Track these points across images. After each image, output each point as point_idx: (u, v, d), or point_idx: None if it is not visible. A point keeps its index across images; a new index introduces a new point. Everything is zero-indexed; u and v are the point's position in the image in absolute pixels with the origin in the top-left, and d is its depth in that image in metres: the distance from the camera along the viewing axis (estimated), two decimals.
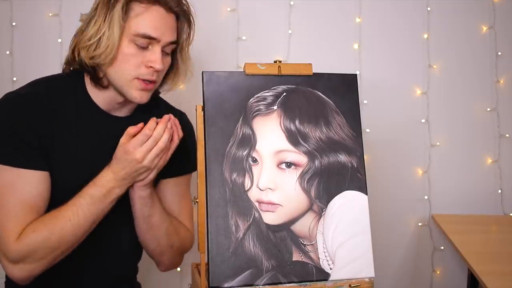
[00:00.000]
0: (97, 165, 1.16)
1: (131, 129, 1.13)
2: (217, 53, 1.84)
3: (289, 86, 1.15)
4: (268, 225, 1.09)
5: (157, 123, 1.14)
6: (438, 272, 1.98)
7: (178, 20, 1.21)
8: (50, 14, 1.82)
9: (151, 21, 1.15)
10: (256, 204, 1.09)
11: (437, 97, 1.93)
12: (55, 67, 1.73)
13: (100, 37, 1.13)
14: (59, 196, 1.15)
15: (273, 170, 1.10)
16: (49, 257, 1.12)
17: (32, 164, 1.13)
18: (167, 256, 1.30)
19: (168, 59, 1.22)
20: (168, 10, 1.17)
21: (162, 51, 1.18)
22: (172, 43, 1.19)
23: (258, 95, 1.13)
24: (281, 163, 1.11)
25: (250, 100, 1.13)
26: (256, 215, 1.08)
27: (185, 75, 1.27)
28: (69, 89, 1.21)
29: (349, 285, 1.10)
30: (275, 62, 1.16)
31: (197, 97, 1.13)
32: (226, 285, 1.05)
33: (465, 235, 1.72)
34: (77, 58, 1.18)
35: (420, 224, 1.96)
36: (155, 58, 1.16)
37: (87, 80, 1.22)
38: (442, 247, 1.96)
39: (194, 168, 1.24)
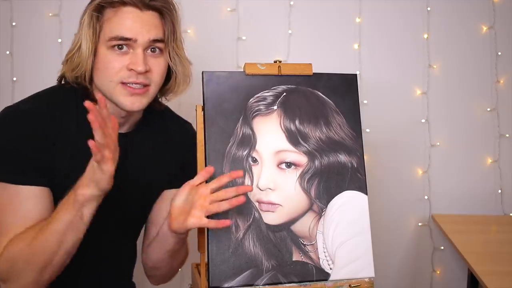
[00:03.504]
0: None
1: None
2: (217, 53, 1.84)
3: (289, 86, 1.15)
4: (268, 225, 1.09)
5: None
6: (438, 272, 1.98)
7: (161, 15, 1.14)
8: (50, 14, 1.82)
9: (123, 22, 1.10)
10: (256, 204, 1.09)
11: (437, 97, 1.93)
12: (55, 67, 1.72)
13: (77, 48, 1.11)
14: None
15: (273, 170, 1.10)
16: (29, 273, 1.06)
17: (29, 181, 1.09)
18: (170, 275, 1.31)
19: (159, 61, 1.14)
20: (142, 7, 1.11)
21: (148, 51, 1.12)
22: (156, 40, 1.12)
23: (258, 95, 1.13)
24: (281, 163, 1.11)
25: (250, 100, 1.13)
26: (256, 215, 1.08)
27: (185, 77, 1.21)
28: (71, 105, 1.17)
29: (349, 285, 1.10)
30: (275, 62, 1.16)
31: (197, 97, 1.13)
32: (226, 285, 1.05)
33: (465, 235, 1.72)
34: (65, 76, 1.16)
35: (420, 224, 1.96)
36: (136, 59, 1.09)
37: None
38: (442, 247, 1.96)
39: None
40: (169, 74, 1.18)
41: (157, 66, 1.13)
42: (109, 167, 0.98)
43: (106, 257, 1.25)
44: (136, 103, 1.12)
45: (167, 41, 1.14)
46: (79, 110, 1.15)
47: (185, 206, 1.03)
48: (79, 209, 1.02)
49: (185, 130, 1.30)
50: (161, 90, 1.20)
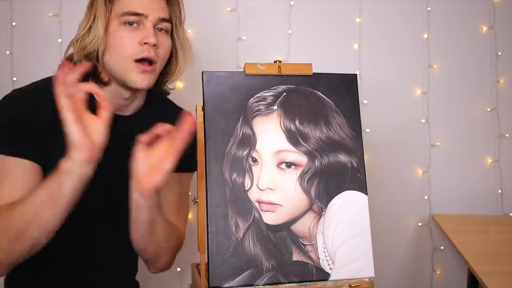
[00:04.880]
0: (101, 165, 1.15)
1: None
2: (217, 53, 1.84)
3: (289, 86, 1.15)
4: (268, 225, 1.09)
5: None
6: (438, 272, 1.98)
7: (168, 1, 1.22)
8: (50, 14, 1.82)
9: (134, 0, 1.16)
10: (256, 204, 1.09)
11: (437, 97, 1.93)
12: (55, 67, 1.72)
13: (89, 26, 1.17)
14: None
15: (273, 170, 1.10)
16: (3, 240, 1.05)
17: (21, 154, 1.12)
18: (164, 259, 1.27)
19: (166, 39, 1.21)
20: None
21: (156, 29, 1.18)
22: (163, 20, 1.19)
23: (258, 95, 1.13)
24: (281, 163, 1.11)
25: (250, 100, 1.13)
26: (256, 215, 1.08)
27: (186, 60, 1.27)
28: None
29: (349, 285, 1.10)
30: (275, 62, 1.16)
31: (197, 97, 1.13)
32: (226, 285, 1.05)
33: (465, 235, 1.72)
34: (74, 57, 1.19)
35: (420, 224, 1.96)
36: (147, 33, 1.16)
37: (92, 80, 1.21)
38: (442, 247, 1.96)
39: (190, 166, 1.23)
40: (169, 58, 1.24)
41: (164, 44, 1.20)
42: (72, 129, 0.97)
43: (108, 253, 1.25)
44: (145, 80, 1.17)
45: (173, 24, 1.22)
46: None
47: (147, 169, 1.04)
48: (59, 178, 1.00)
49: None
50: (162, 72, 1.24)
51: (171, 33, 1.24)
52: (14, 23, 1.81)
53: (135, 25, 1.17)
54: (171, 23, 1.22)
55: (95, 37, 1.16)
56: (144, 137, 1.03)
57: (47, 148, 1.14)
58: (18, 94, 1.19)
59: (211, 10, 1.85)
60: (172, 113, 1.24)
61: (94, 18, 1.17)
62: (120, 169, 1.17)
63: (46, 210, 1.02)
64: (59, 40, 1.81)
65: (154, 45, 1.17)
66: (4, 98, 1.18)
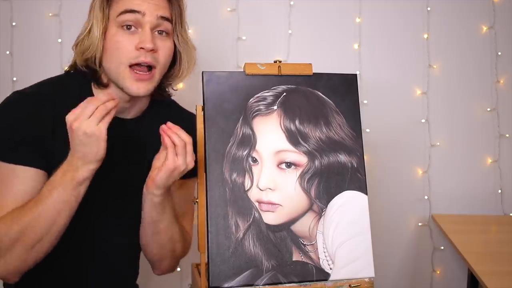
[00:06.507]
0: (103, 168, 1.15)
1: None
2: (217, 53, 1.84)
3: (289, 86, 1.15)
4: (268, 225, 1.09)
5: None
6: (438, 272, 1.98)
7: (169, 0, 1.18)
8: (50, 14, 1.82)
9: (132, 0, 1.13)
10: (256, 204, 1.09)
11: (437, 97, 1.93)
12: (55, 67, 1.73)
13: (88, 30, 1.15)
14: None
15: (273, 170, 1.10)
16: (17, 250, 1.06)
17: (25, 161, 1.11)
18: (167, 262, 1.28)
19: (166, 42, 1.17)
20: None
21: (156, 33, 1.15)
22: (164, 18, 1.15)
23: (258, 95, 1.13)
24: (281, 163, 1.11)
25: (250, 100, 1.13)
26: (256, 215, 1.08)
27: (190, 62, 1.23)
28: (75, 91, 1.18)
29: (349, 285, 1.10)
30: (275, 62, 1.16)
31: (197, 97, 1.13)
32: (226, 285, 1.05)
33: (465, 235, 1.72)
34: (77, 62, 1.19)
35: (420, 224, 1.96)
36: (144, 37, 1.12)
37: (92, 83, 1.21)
38: (442, 247, 1.96)
39: (193, 172, 1.24)
40: (173, 60, 1.21)
41: (164, 48, 1.16)
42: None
43: (108, 257, 1.25)
44: (141, 88, 1.15)
45: (174, 24, 1.18)
46: (82, 96, 1.14)
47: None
48: (76, 188, 1.05)
49: (190, 121, 1.29)
50: (166, 75, 1.22)
51: (173, 34, 1.20)
52: (14, 23, 1.81)
53: (133, 29, 1.14)
54: (171, 22, 1.18)
55: (92, 43, 1.14)
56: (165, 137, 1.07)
57: (50, 153, 1.13)
58: (18, 98, 1.16)
59: (211, 10, 1.86)
60: (176, 117, 1.23)
61: (92, 24, 1.15)
62: (121, 172, 1.17)
63: (62, 218, 1.06)
64: (59, 40, 1.81)
65: (152, 50, 1.13)
66: (4, 102, 1.16)
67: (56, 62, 1.77)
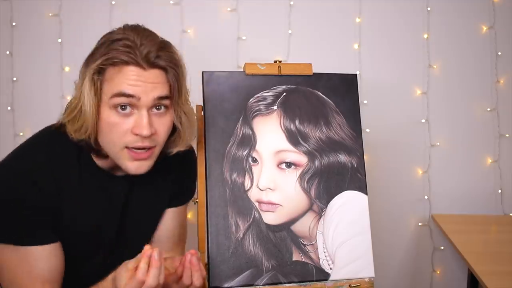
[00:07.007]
0: (103, 223, 1.14)
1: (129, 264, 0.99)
2: (217, 53, 1.84)
3: (289, 86, 1.15)
4: (268, 225, 1.09)
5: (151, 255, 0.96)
6: (438, 272, 1.98)
7: (166, 72, 1.04)
8: (50, 14, 1.81)
9: (125, 81, 1.01)
10: (256, 204, 1.09)
11: (437, 97, 1.93)
12: (55, 67, 1.73)
13: (79, 110, 1.04)
14: (69, 258, 1.12)
15: (273, 170, 1.10)
16: None
17: (38, 241, 1.06)
18: None
19: (165, 119, 1.06)
20: (146, 67, 1.02)
21: (153, 110, 1.04)
22: (161, 98, 1.03)
23: (258, 95, 1.13)
24: (281, 163, 1.11)
25: (250, 100, 1.13)
26: (256, 215, 1.08)
27: (190, 132, 1.13)
28: (72, 157, 1.11)
29: (349, 285, 1.10)
30: (275, 62, 1.16)
31: (197, 97, 1.13)
32: (226, 285, 1.05)
33: (465, 235, 1.72)
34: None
35: (420, 224, 1.96)
36: (141, 122, 1.02)
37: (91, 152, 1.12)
38: (442, 247, 1.96)
39: (193, 193, 1.23)
40: (174, 128, 1.10)
41: (163, 126, 1.06)
42: None
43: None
44: (141, 168, 1.07)
45: (173, 97, 1.06)
46: (81, 162, 1.12)
47: None
48: None
49: (187, 158, 1.24)
50: (166, 143, 1.11)
51: (172, 105, 1.08)
52: (14, 23, 1.81)
53: (128, 109, 1.02)
54: (170, 97, 1.05)
55: (85, 122, 1.04)
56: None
57: (58, 221, 1.09)
58: (16, 178, 1.06)
59: (211, 10, 1.85)
60: (174, 159, 1.17)
61: (83, 103, 1.03)
62: (113, 227, 1.16)
63: None
64: (59, 40, 1.81)
65: (150, 136, 1.04)
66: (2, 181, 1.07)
67: (56, 62, 1.77)
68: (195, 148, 1.21)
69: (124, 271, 0.97)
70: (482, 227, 1.82)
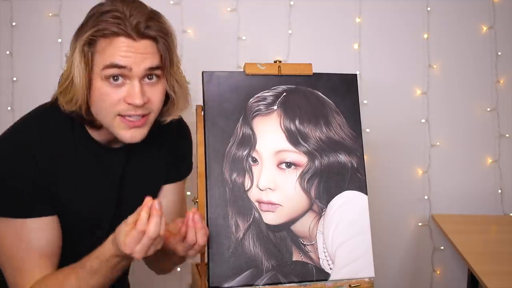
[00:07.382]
0: (101, 198, 1.14)
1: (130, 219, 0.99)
2: (217, 53, 1.84)
3: (289, 86, 1.15)
4: (268, 225, 1.09)
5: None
6: (438, 272, 1.98)
7: (157, 43, 1.05)
8: (50, 14, 1.81)
9: (117, 52, 1.02)
10: (256, 204, 1.09)
11: (437, 97, 1.93)
12: (55, 67, 1.73)
13: (70, 81, 1.05)
14: (68, 234, 1.12)
15: (273, 170, 1.10)
16: None
17: (34, 213, 1.07)
18: (167, 268, 1.31)
19: (158, 88, 1.08)
20: (136, 37, 1.02)
21: (145, 80, 1.06)
22: (153, 68, 1.05)
23: (258, 95, 1.14)
24: (281, 163, 1.11)
25: (250, 100, 1.13)
26: (256, 215, 1.08)
27: (184, 100, 1.15)
28: (66, 129, 1.12)
29: (349, 285, 1.10)
30: (275, 62, 1.16)
31: (197, 97, 1.13)
32: (226, 285, 1.05)
33: (465, 235, 1.72)
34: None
35: (420, 224, 1.96)
36: (133, 92, 1.03)
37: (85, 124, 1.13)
38: (442, 247, 1.96)
39: (190, 170, 1.23)
40: (167, 96, 1.12)
41: (156, 94, 1.08)
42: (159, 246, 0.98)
43: None
44: (136, 136, 1.08)
45: (164, 67, 1.07)
46: (75, 135, 1.12)
47: None
48: (120, 263, 1.02)
49: (181, 130, 1.28)
50: (160, 112, 1.13)
51: (164, 75, 1.09)
52: (14, 23, 1.81)
53: (120, 80, 1.04)
54: (162, 67, 1.07)
55: (75, 93, 1.05)
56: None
57: (55, 194, 1.10)
58: (12, 151, 1.08)
59: (211, 10, 1.85)
60: (168, 129, 1.19)
61: (74, 75, 1.04)
62: (111, 201, 1.17)
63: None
64: (59, 40, 1.81)
65: (143, 105, 1.05)
66: None
67: (56, 62, 1.77)
68: (195, 148, 1.21)
69: (124, 226, 0.97)
70: (482, 227, 1.82)
